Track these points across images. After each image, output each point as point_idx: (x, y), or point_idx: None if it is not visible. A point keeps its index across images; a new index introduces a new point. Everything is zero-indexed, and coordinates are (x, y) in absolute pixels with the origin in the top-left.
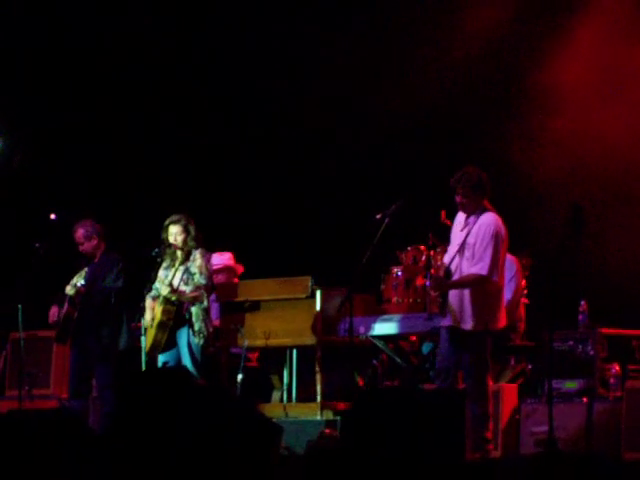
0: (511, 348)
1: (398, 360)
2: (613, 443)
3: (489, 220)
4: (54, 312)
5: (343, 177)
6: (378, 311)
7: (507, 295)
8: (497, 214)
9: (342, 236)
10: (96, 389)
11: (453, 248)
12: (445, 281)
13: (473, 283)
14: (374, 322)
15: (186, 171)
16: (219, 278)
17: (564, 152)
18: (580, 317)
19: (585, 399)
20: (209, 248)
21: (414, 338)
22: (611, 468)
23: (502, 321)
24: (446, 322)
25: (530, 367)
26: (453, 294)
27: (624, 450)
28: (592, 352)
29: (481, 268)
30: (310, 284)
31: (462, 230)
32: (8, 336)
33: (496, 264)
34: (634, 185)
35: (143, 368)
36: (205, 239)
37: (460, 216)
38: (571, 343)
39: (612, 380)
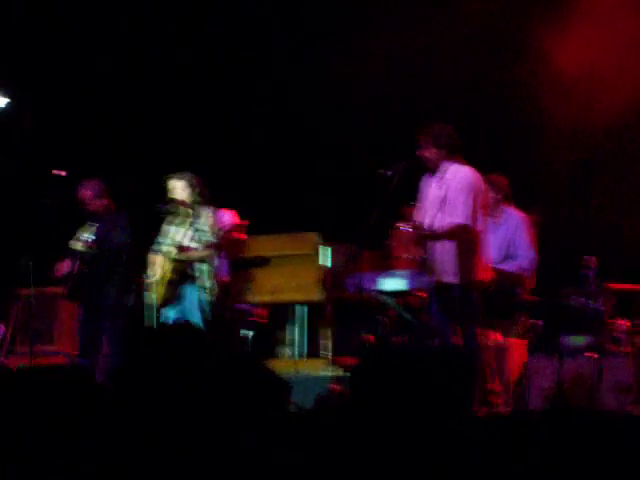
0: (520, 304)
1: (407, 316)
2: (622, 398)
3: (464, 171)
4: (63, 266)
5: (351, 132)
6: (386, 267)
7: (533, 255)
8: (473, 168)
9: (350, 192)
10: (106, 346)
11: (431, 208)
12: (428, 233)
13: (455, 234)
14: (382, 278)
15: (193, 129)
16: (229, 236)
17: (573, 106)
18: (589, 273)
19: (594, 355)
20: (216, 206)
21: (424, 294)
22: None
23: (484, 273)
24: (430, 280)
25: (539, 323)
26: (435, 249)
27: (633, 405)
28: (601, 308)
29: (463, 218)
30: (318, 240)
31: (439, 187)
32: (15, 292)
33: (475, 213)
34: None
35: (147, 323)
36: (212, 197)
37: (428, 179)
38: (580, 299)
39: (621, 336)
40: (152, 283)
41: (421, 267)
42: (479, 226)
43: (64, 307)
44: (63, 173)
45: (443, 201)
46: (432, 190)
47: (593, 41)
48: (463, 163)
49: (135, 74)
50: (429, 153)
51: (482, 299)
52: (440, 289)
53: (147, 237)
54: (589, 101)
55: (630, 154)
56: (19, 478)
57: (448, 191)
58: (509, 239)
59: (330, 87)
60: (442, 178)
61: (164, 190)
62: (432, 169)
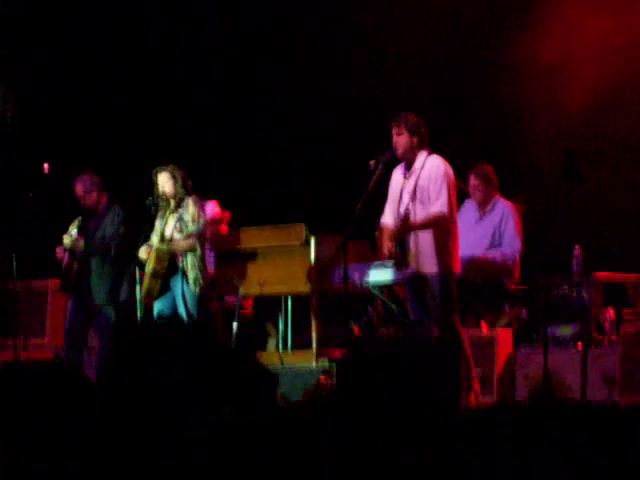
0: (506, 294)
1: (393, 307)
2: (607, 388)
3: (437, 161)
4: (61, 250)
5: (337, 122)
6: (373, 258)
7: (518, 244)
8: (443, 158)
9: (336, 183)
10: (95, 340)
11: (404, 198)
12: (408, 224)
13: (436, 222)
14: (369, 269)
15: (178, 121)
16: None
17: (558, 91)
18: (574, 262)
19: (580, 344)
20: (201, 196)
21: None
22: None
23: (459, 264)
24: (409, 271)
25: (525, 313)
26: (411, 241)
27: (619, 394)
28: (587, 297)
29: (441, 206)
30: (304, 231)
31: (408, 179)
32: (2, 286)
33: (452, 203)
34: (629, 129)
35: (139, 317)
36: (196, 187)
37: (398, 171)
38: (566, 288)
39: (607, 325)
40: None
41: (397, 262)
42: (455, 215)
43: (55, 301)
44: (46, 166)
45: (415, 191)
46: (404, 180)
47: (573, 29)
48: (432, 153)
49: (121, 64)
50: (404, 141)
51: (458, 289)
52: (418, 280)
53: (141, 231)
54: (572, 89)
55: (614, 142)
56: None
57: (419, 180)
58: (495, 228)
59: (317, 78)
60: (413, 167)
61: (152, 183)
62: (404, 158)
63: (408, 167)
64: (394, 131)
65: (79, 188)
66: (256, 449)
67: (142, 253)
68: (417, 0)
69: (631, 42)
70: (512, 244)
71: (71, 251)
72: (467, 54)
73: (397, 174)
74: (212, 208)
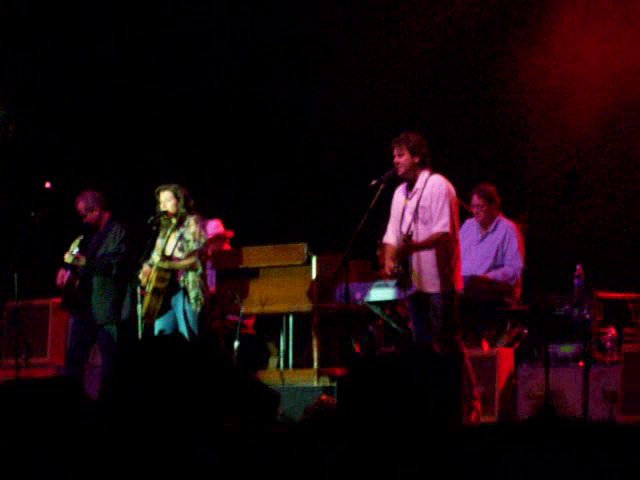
0: (507, 313)
1: (395, 326)
2: (608, 406)
3: (439, 180)
4: (62, 275)
5: (338, 142)
6: (374, 277)
7: (520, 263)
8: (445, 177)
9: (337, 203)
10: (97, 358)
11: (406, 217)
12: (411, 244)
13: (438, 242)
14: (370, 288)
15: (181, 138)
16: (212, 246)
17: (560, 112)
18: (576, 281)
19: (581, 363)
20: (203, 215)
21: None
22: (607, 432)
23: (461, 283)
24: (411, 291)
25: (526, 331)
26: (413, 260)
27: (620, 413)
28: (588, 316)
29: (444, 225)
30: (306, 251)
31: (410, 198)
32: (4, 305)
33: (454, 222)
34: (630, 150)
35: (140, 335)
36: (198, 206)
37: (400, 190)
38: (567, 307)
39: (608, 344)
40: (142, 295)
41: (399, 281)
42: (457, 235)
43: (56, 319)
44: (48, 185)
45: (417, 210)
46: (405, 200)
47: (575, 51)
48: (433, 172)
49: (123, 82)
50: (405, 161)
51: (460, 308)
52: (420, 299)
53: (142, 249)
54: (574, 110)
55: (615, 163)
56: None
57: (421, 200)
58: (497, 247)
59: (318, 97)
60: (415, 187)
61: (154, 202)
62: (406, 177)
63: (410, 187)
64: (395, 151)
65: (81, 205)
66: (258, 466)
67: (141, 275)
68: (419, 20)
69: (632, 64)
70: (513, 263)
71: (72, 269)
72: (470, 74)
73: (399, 194)
74: (215, 226)
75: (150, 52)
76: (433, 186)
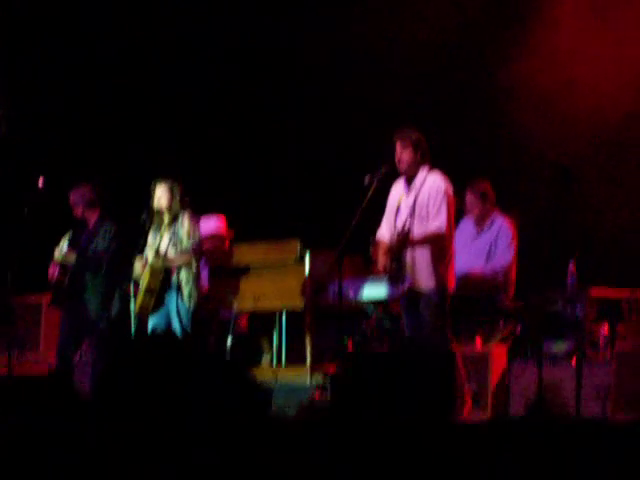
0: (500, 310)
1: (387, 323)
2: (601, 403)
3: (438, 178)
4: (53, 271)
5: (331, 139)
6: (367, 274)
7: (508, 257)
8: (444, 174)
9: (331, 199)
10: (86, 354)
11: (402, 213)
12: (405, 240)
13: (433, 239)
14: (363, 285)
15: (176, 134)
16: (206, 245)
17: (553, 108)
18: (569, 278)
19: (574, 360)
20: (198, 212)
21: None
22: (600, 429)
23: (453, 280)
24: (404, 287)
25: (519, 328)
26: (407, 256)
27: (613, 410)
28: (581, 313)
29: (440, 223)
30: (299, 247)
31: (408, 194)
32: None
33: (450, 221)
34: (623, 144)
35: (133, 332)
36: (194, 203)
37: (398, 185)
38: (560, 304)
39: (601, 340)
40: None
41: (393, 277)
42: (452, 233)
43: (49, 316)
44: (40, 181)
45: (414, 206)
46: (403, 195)
47: (571, 50)
48: (432, 169)
49: (118, 79)
50: (408, 156)
51: (452, 305)
52: (413, 296)
53: (134, 246)
54: (569, 108)
55: (609, 159)
56: None
57: (419, 196)
58: (490, 245)
59: (313, 93)
60: (414, 183)
61: (149, 197)
62: (407, 173)
63: (409, 182)
64: (398, 145)
65: (72, 200)
66: (251, 463)
67: (137, 268)
68: (416, 20)
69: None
70: (502, 257)
71: (63, 265)
72: (464, 72)
73: (397, 188)
74: (218, 223)
75: (150, 52)
76: (432, 183)
